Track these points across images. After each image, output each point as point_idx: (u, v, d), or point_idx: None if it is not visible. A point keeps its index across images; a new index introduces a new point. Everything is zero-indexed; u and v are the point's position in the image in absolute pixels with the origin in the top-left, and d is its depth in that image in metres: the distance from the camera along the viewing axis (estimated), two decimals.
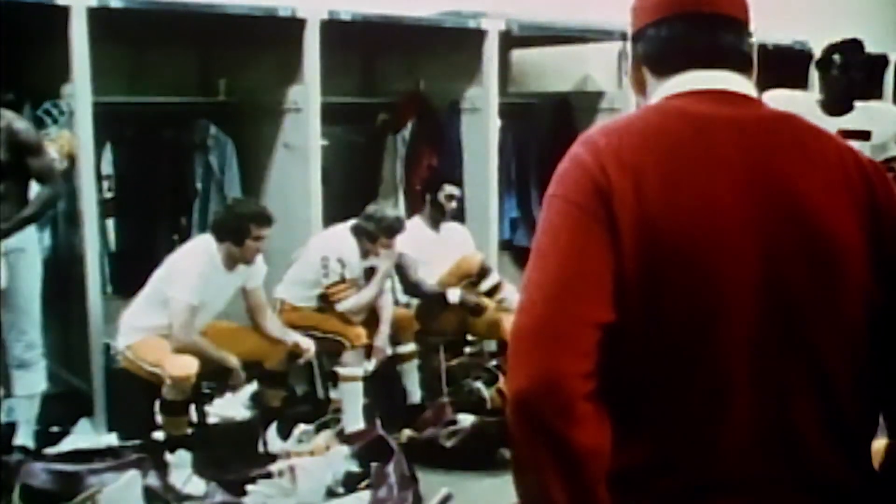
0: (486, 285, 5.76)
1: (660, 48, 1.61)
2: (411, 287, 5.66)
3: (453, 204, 5.76)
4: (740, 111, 1.54)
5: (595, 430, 1.41)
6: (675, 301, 1.44)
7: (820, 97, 4.86)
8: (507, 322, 5.43)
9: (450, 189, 5.74)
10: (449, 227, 5.85)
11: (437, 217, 5.75)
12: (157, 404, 4.79)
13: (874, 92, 7.55)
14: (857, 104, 4.82)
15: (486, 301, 5.71)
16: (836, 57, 4.74)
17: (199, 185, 5.77)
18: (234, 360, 4.75)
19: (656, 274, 1.43)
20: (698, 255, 1.43)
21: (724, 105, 1.54)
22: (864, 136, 4.65)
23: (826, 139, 1.57)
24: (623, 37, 6.73)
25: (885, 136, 4.77)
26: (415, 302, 5.75)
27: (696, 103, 1.54)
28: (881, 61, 8.18)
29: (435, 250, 5.70)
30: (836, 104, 4.73)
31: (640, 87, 1.66)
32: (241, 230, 4.71)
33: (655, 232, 1.42)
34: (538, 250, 1.48)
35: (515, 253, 7.21)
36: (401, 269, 5.59)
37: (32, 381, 4.73)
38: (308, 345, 5.00)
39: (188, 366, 4.56)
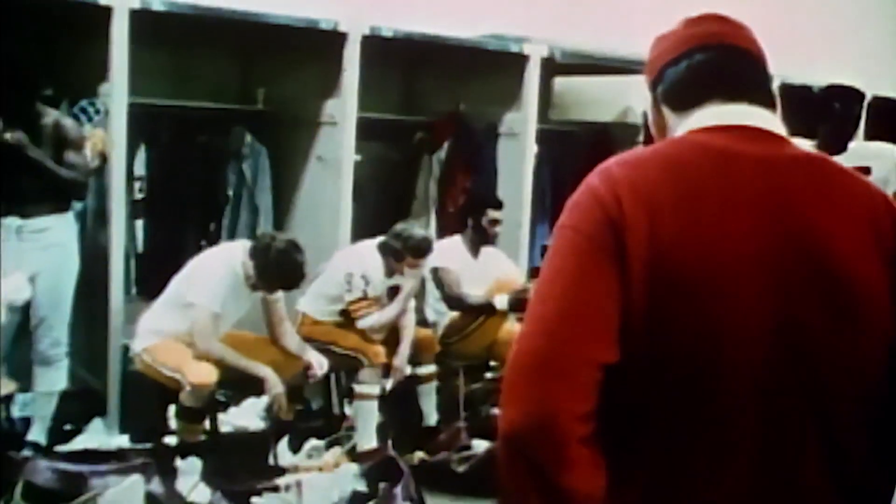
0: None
1: (680, 82, 1.59)
2: (455, 300, 5.58)
3: (497, 229, 5.71)
4: (765, 149, 1.50)
5: (589, 475, 1.36)
6: (682, 343, 1.39)
7: (814, 141, 4.86)
8: None
9: (493, 214, 5.68)
10: (488, 252, 5.79)
11: (479, 241, 5.70)
12: (170, 409, 4.79)
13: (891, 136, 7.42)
14: (850, 144, 4.92)
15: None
16: (836, 104, 4.84)
17: (230, 192, 5.76)
18: (264, 369, 4.69)
19: (664, 313, 1.39)
20: (708, 297, 1.39)
21: (748, 142, 1.50)
22: (865, 171, 4.62)
23: (856, 183, 1.52)
24: None
25: (886, 170, 4.81)
26: (442, 322, 5.68)
27: (719, 138, 1.50)
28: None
29: (471, 275, 5.63)
30: (832, 145, 4.70)
31: (661, 132, 1.63)
32: (267, 277, 4.68)
33: (666, 269, 1.39)
34: (543, 281, 1.44)
35: None
36: (442, 285, 5.55)
37: (53, 379, 4.73)
38: (319, 367, 4.92)
39: (208, 374, 4.52)
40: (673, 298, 1.38)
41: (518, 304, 5.45)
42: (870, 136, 7.91)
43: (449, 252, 5.54)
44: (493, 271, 5.76)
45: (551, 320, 1.39)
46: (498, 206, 5.76)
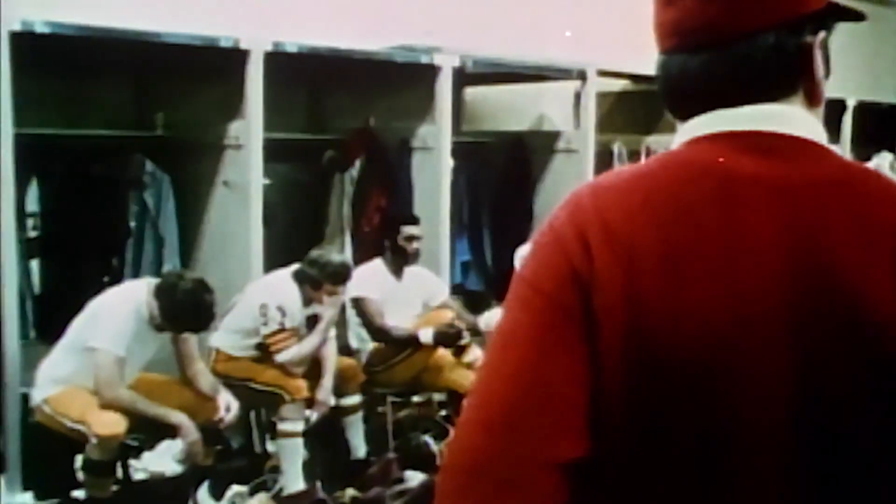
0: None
1: (667, 91, 1.21)
2: (379, 333, 5.39)
3: (415, 245, 5.52)
4: (784, 167, 1.11)
5: None
6: (678, 433, 1.07)
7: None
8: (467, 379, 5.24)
9: (408, 230, 5.50)
10: (412, 272, 5.61)
11: (400, 262, 5.52)
12: (77, 460, 4.47)
13: (831, 137, 7.45)
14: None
15: (464, 331, 5.42)
16: None
17: (132, 224, 5.49)
18: (177, 416, 4.42)
19: (651, 394, 1.06)
20: (711, 372, 1.06)
21: (762, 158, 1.11)
22: None
23: None
24: (581, 75, 6.57)
25: None
26: (366, 349, 5.46)
27: (724, 153, 1.12)
28: (838, 106, 8.11)
29: (397, 299, 5.46)
30: None
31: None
32: (172, 318, 4.42)
33: (651, 336, 1.06)
34: (493, 350, 1.13)
35: (467, 298, 7.00)
36: (365, 316, 5.35)
37: None
38: (230, 413, 4.65)
39: (115, 423, 4.25)
40: (662, 375, 1.06)
41: (444, 337, 5.34)
42: (854, 141, 7.97)
43: (370, 278, 5.36)
44: (419, 292, 5.62)
45: (498, 409, 1.06)
46: (413, 221, 5.58)
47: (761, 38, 1.14)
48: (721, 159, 1.12)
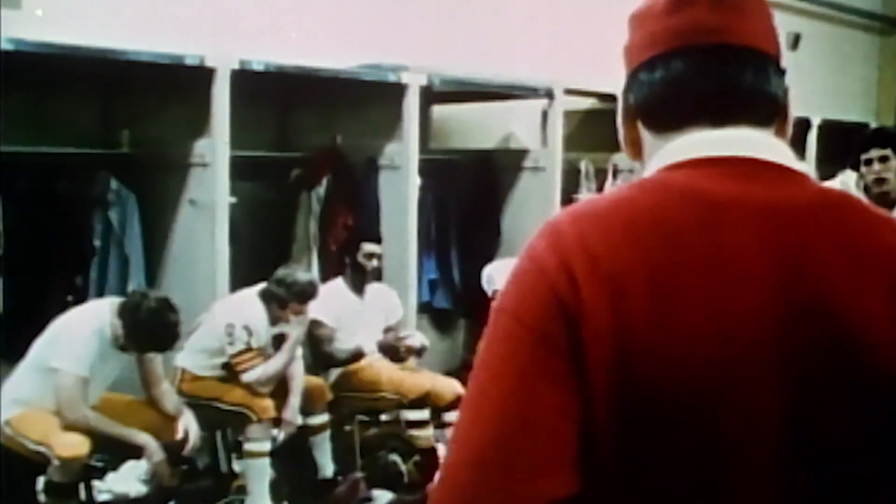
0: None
1: (654, 95, 1.20)
2: (324, 359, 5.39)
3: (374, 262, 5.50)
4: (769, 192, 1.11)
5: None
6: (669, 467, 1.05)
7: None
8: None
9: (368, 248, 5.47)
10: (374, 289, 5.58)
11: (360, 279, 5.48)
12: (39, 483, 4.40)
13: (797, 154, 7.50)
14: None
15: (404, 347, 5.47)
16: None
17: (97, 243, 5.41)
18: (142, 436, 4.38)
19: (641, 429, 1.04)
20: (701, 397, 1.04)
21: (746, 183, 1.11)
22: None
23: (888, 231, 1.14)
24: (548, 94, 6.59)
25: None
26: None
27: (707, 180, 1.11)
28: (803, 125, 8.18)
29: (359, 317, 5.44)
30: None
31: (636, 150, 1.25)
32: (136, 337, 4.37)
33: (641, 369, 1.03)
34: (475, 387, 1.08)
35: (434, 315, 7.00)
36: (312, 341, 5.33)
37: None
38: (189, 437, 4.60)
39: (78, 445, 4.19)
40: (652, 409, 1.04)
41: (388, 349, 5.42)
42: (819, 159, 8.02)
43: (327, 301, 5.28)
44: (381, 309, 5.61)
45: (486, 448, 1.03)
46: (374, 239, 5.56)
47: (762, 58, 1.18)
48: (703, 184, 1.11)
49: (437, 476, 1.06)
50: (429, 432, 5.31)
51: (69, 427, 4.24)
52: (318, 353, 5.36)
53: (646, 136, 1.23)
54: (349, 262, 5.49)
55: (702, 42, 1.18)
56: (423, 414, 5.30)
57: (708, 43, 1.17)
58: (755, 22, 1.20)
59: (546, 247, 1.09)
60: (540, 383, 1.04)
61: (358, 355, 5.37)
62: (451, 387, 5.41)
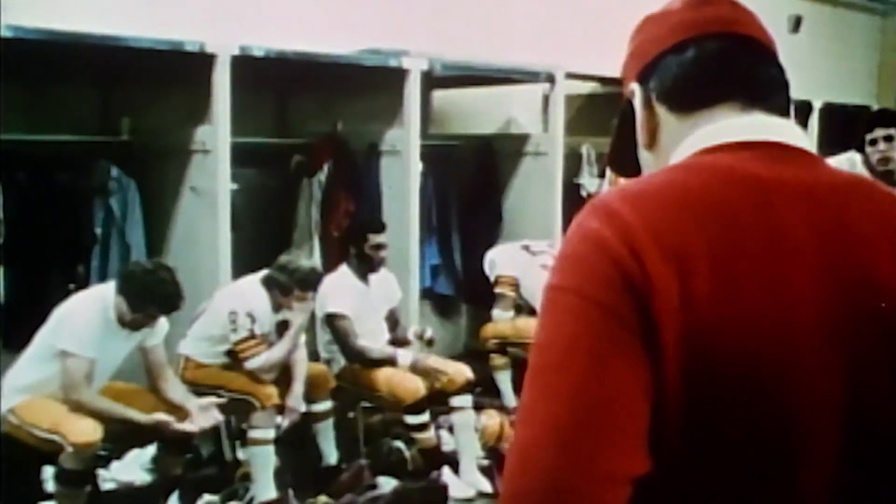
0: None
1: (685, 76, 1.23)
2: (355, 354, 5.35)
3: (382, 253, 5.46)
4: (803, 173, 1.16)
5: None
6: (737, 442, 1.06)
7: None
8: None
9: (374, 239, 5.42)
10: (377, 276, 5.55)
11: (366, 269, 5.44)
12: (45, 471, 4.43)
13: None
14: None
15: (441, 372, 5.40)
16: None
17: (98, 231, 5.39)
18: (151, 416, 4.39)
19: (709, 403, 1.05)
20: (766, 378, 1.06)
21: (783, 164, 1.16)
22: None
23: None
24: (549, 78, 6.56)
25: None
26: (336, 361, 5.44)
27: (747, 160, 1.15)
28: (805, 108, 8.16)
29: (365, 304, 5.41)
30: None
31: (651, 139, 1.27)
32: (140, 302, 4.34)
33: (706, 346, 1.04)
34: (542, 368, 1.06)
35: (436, 301, 6.99)
36: (339, 335, 5.30)
37: None
38: (206, 419, 4.60)
39: (92, 431, 4.17)
40: (720, 383, 1.05)
41: (420, 371, 5.34)
42: (821, 142, 8.00)
43: (342, 291, 5.29)
44: (384, 296, 5.60)
45: (566, 427, 1.02)
46: (379, 229, 5.52)
47: (776, 57, 1.27)
48: (746, 166, 1.15)
49: (509, 456, 1.05)
50: (429, 434, 5.28)
51: (78, 409, 4.23)
52: (348, 347, 5.32)
53: (668, 119, 1.25)
54: (355, 252, 5.44)
55: (731, 30, 1.24)
56: (422, 418, 5.24)
57: (732, 32, 1.24)
58: (761, 26, 1.28)
59: (601, 225, 1.08)
60: (614, 360, 1.03)
61: (391, 361, 5.34)
62: (462, 372, 5.39)
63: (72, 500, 4.28)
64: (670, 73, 1.24)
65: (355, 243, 5.44)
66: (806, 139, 1.21)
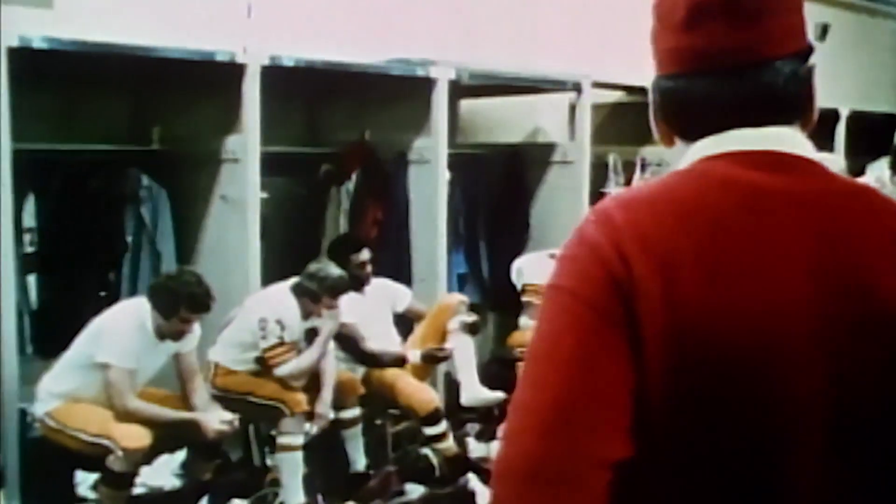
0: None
1: (679, 106, 1.27)
2: (369, 358, 5.39)
3: (367, 270, 5.50)
4: (801, 181, 1.20)
5: None
6: (720, 438, 1.12)
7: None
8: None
9: (357, 258, 5.46)
10: (371, 286, 5.57)
11: (356, 286, 5.37)
12: (77, 475, 4.49)
13: (825, 147, 7.47)
14: None
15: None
16: None
17: (129, 239, 5.44)
18: (194, 415, 4.51)
19: (692, 399, 1.11)
20: (751, 376, 1.11)
21: (778, 172, 1.19)
22: None
23: None
24: (576, 87, 6.58)
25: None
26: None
27: (742, 168, 1.19)
28: (832, 116, 8.13)
29: (364, 313, 5.42)
30: None
31: (669, 139, 1.31)
32: (170, 307, 4.43)
33: (692, 342, 1.10)
34: (533, 360, 1.15)
35: None
36: (348, 341, 5.32)
37: None
38: (225, 425, 4.62)
39: (142, 436, 4.29)
40: (703, 381, 1.11)
41: (430, 358, 5.51)
42: (847, 150, 7.98)
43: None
44: (384, 301, 5.63)
45: (549, 414, 1.10)
46: (359, 247, 5.54)
47: (782, 65, 1.22)
48: (741, 173, 1.19)
49: (500, 440, 1.13)
50: (449, 443, 5.32)
51: (125, 416, 4.34)
52: (359, 351, 5.36)
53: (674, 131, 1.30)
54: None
55: (720, 66, 1.21)
56: (439, 428, 5.29)
57: (729, 65, 1.21)
58: (776, 23, 1.22)
59: (596, 229, 1.17)
60: (599, 354, 1.11)
61: (401, 360, 5.40)
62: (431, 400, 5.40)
63: (114, 502, 4.37)
64: (667, 99, 1.27)
65: (341, 265, 5.24)
66: (806, 146, 1.23)
